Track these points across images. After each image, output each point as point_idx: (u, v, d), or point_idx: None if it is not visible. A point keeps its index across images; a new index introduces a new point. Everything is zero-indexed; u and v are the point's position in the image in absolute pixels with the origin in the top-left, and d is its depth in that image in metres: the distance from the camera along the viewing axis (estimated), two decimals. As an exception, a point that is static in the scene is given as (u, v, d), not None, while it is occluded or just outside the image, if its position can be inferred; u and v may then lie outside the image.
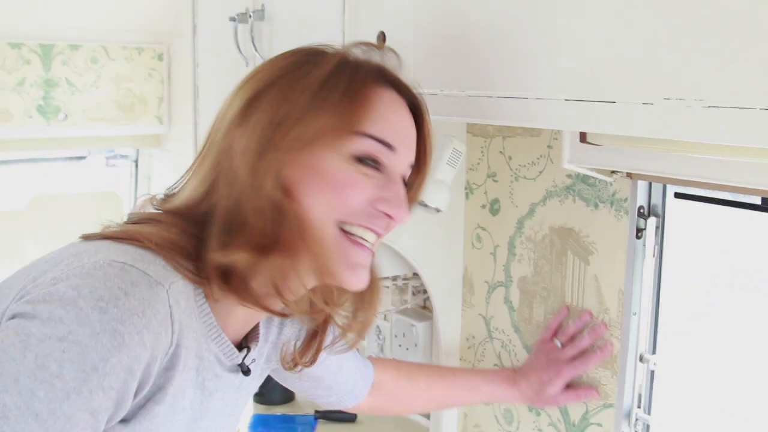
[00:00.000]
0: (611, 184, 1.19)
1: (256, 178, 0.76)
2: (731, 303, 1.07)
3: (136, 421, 0.72)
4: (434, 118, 0.89)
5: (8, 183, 2.47)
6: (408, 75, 0.87)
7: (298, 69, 0.81)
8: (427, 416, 1.61)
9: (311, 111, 0.78)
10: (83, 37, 2.26)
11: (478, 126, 1.42)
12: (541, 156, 1.30)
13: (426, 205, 1.17)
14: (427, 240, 1.44)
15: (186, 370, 0.76)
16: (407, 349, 1.61)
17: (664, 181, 1.12)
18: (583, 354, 1.24)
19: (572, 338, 1.25)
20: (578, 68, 0.81)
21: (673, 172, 1.02)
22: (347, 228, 0.80)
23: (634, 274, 1.17)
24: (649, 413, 1.21)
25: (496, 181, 1.41)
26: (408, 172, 0.86)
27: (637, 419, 1.21)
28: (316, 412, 1.69)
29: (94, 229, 0.79)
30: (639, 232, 1.16)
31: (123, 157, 2.65)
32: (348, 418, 1.67)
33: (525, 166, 1.34)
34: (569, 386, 1.26)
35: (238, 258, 0.75)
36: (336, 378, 1.12)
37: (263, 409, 1.76)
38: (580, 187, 1.24)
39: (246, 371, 0.88)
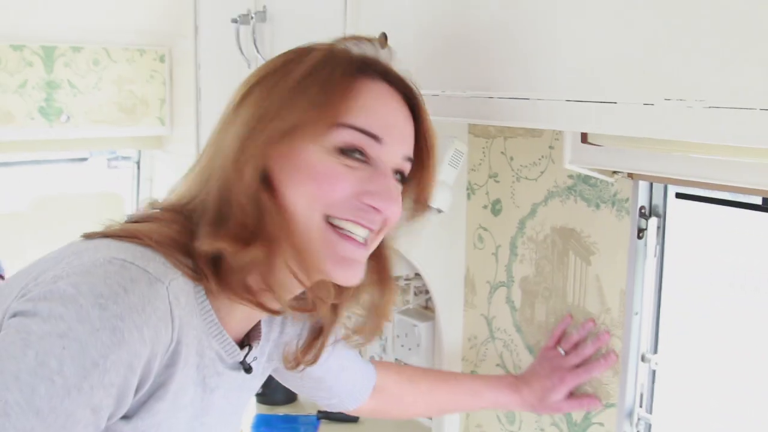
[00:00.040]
0: (612, 185, 1.19)
1: (236, 171, 0.77)
2: (732, 303, 1.08)
3: (138, 418, 0.72)
4: (436, 118, 0.89)
5: (10, 184, 2.48)
6: (399, 66, 0.86)
7: (285, 66, 0.82)
8: (430, 417, 1.61)
9: (289, 104, 0.78)
10: (85, 39, 2.26)
11: (480, 127, 1.42)
12: (542, 156, 1.31)
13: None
14: (429, 240, 1.44)
15: (187, 366, 0.76)
16: (409, 349, 1.61)
17: (665, 182, 1.13)
18: (586, 362, 1.24)
19: (576, 346, 1.25)
20: (579, 69, 0.82)
21: (674, 172, 1.02)
22: (335, 222, 0.79)
23: (636, 274, 1.17)
24: (650, 413, 1.21)
25: (497, 182, 1.41)
26: (405, 165, 0.84)
27: (638, 419, 1.21)
28: (319, 412, 1.69)
29: (96, 228, 0.80)
30: (640, 232, 1.16)
31: (125, 158, 2.65)
32: (351, 418, 1.67)
33: (526, 166, 1.34)
34: (572, 394, 1.26)
35: (220, 247, 0.75)
36: (337, 379, 1.12)
37: (266, 409, 1.77)
38: (582, 187, 1.24)
39: (247, 369, 0.88)
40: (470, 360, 1.52)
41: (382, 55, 0.86)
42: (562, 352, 1.26)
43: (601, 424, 1.25)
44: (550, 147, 1.29)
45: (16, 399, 0.63)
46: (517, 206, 1.37)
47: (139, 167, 2.66)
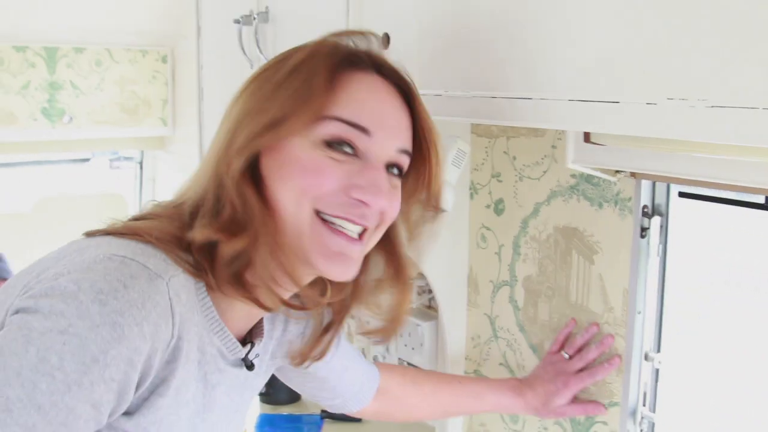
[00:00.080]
0: (615, 184, 1.19)
1: (226, 164, 0.78)
2: (735, 302, 1.08)
3: (140, 414, 0.73)
4: (438, 118, 0.89)
5: (13, 185, 2.48)
6: (392, 58, 0.85)
7: (275, 64, 0.83)
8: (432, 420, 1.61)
9: (273, 97, 0.79)
10: (87, 40, 2.27)
11: (483, 126, 1.42)
12: (545, 156, 1.31)
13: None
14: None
15: (188, 362, 0.76)
16: (413, 348, 1.62)
17: (668, 181, 1.12)
18: (590, 365, 1.24)
19: (580, 350, 1.25)
20: (582, 69, 0.82)
21: (677, 171, 1.02)
22: (325, 216, 0.78)
23: (639, 273, 1.17)
24: (654, 411, 1.21)
25: (500, 181, 1.41)
26: (400, 158, 0.82)
27: (642, 417, 1.21)
28: (323, 411, 1.69)
29: (98, 227, 0.80)
30: (643, 231, 1.16)
31: (127, 159, 2.66)
32: (354, 418, 1.67)
33: (529, 166, 1.34)
34: (575, 399, 1.25)
35: (210, 236, 0.76)
36: (341, 379, 1.12)
37: (269, 409, 1.77)
38: (585, 186, 1.24)
39: (249, 366, 0.88)
40: (473, 359, 1.52)
41: (374, 48, 0.85)
42: (566, 356, 1.26)
43: (605, 423, 1.25)
44: (553, 146, 1.29)
45: (17, 395, 0.63)
46: (520, 206, 1.37)
47: (141, 168, 2.67)
